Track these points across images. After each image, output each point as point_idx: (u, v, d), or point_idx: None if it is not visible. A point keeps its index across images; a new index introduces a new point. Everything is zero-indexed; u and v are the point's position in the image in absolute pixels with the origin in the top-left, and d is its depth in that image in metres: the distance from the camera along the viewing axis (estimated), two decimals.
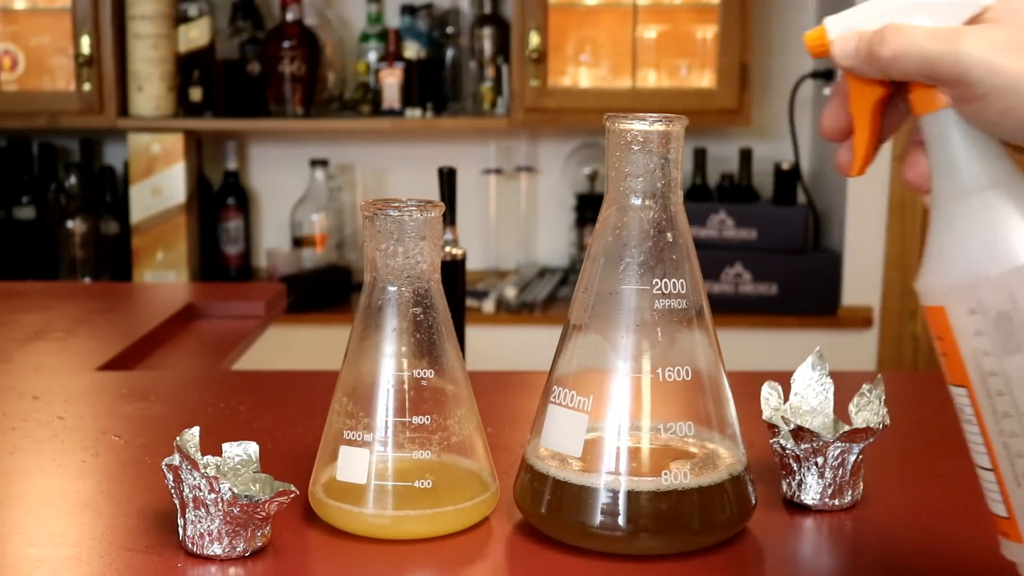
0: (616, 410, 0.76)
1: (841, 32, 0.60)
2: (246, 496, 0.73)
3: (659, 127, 0.75)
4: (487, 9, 2.93)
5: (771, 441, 0.84)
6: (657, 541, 0.75)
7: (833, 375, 0.87)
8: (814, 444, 0.82)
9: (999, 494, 0.59)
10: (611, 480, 0.75)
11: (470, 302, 2.77)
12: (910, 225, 2.73)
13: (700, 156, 2.94)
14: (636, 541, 0.75)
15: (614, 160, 0.77)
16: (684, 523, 0.75)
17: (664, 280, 0.76)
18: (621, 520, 0.74)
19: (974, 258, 0.56)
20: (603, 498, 0.75)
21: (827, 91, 2.87)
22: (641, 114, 0.76)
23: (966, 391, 0.59)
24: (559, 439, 0.77)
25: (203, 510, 0.73)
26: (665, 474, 0.75)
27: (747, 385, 0.90)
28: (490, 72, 2.92)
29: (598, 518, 0.75)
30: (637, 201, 0.77)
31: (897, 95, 0.61)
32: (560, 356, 0.79)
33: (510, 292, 2.85)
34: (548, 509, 0.77)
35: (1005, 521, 0.60)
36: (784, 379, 0.87)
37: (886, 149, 2.91)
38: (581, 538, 0.76)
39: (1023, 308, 0.56)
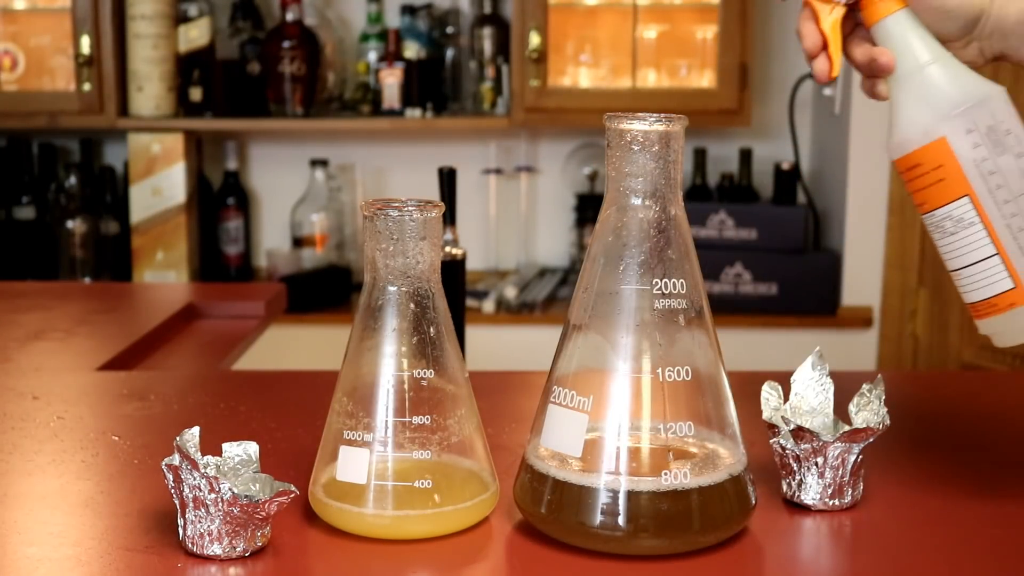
0: (616, 410, 0.76)
1: None
2: (246, 496, 0.73)
3: (659, 127, 0.75)
4: (487, 9, 2.92)
5: (771, 441, 0.84)
6: (657, 541, 0.75)
7: (833, 375, 0.87)
8: (814, 444, 0.82)
9: (1004, 272, 0.79)
10: (611, 480, 0.75)
11: (470, 302, 2.77)
12: (910, 225, 2.73)
13: (700, 156, 2.94)
14: (636, 541, 0.75)
15: (614, 160, 0.77)
16: (684, 523, 0.75)
17: (664, 280, 0.76)
18: (621, 520, 0.74)
19: (957, 97, 0.79)
20: (603, 498, 0.75)
21: (827, 91, 2.87)
22: (641, 114, 0.76)
23: (968, 199, 0.79)
24: (559, 439, 0.77)
25: (203, 510, 0.74)
26: (665, 474, 0.75)
27: (747, 385, 0.90)
28: (490, 72, 2.92)
29: (598, 518, 0.75)
30: (637, 201, 0.77)
31: (848, 14, 0.84)
32: (560, 356, 0.79)
33: (510, 292, 2.85)
34: (548, 509, 0.77)
35: (1010, 293, 0.79)
36: (784, 379, 0.87)
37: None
38: (581, 538, 0.76)
39: (1001, 120, 0.79)
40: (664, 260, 0.76)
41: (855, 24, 0.85)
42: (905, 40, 0.82)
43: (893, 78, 0.82)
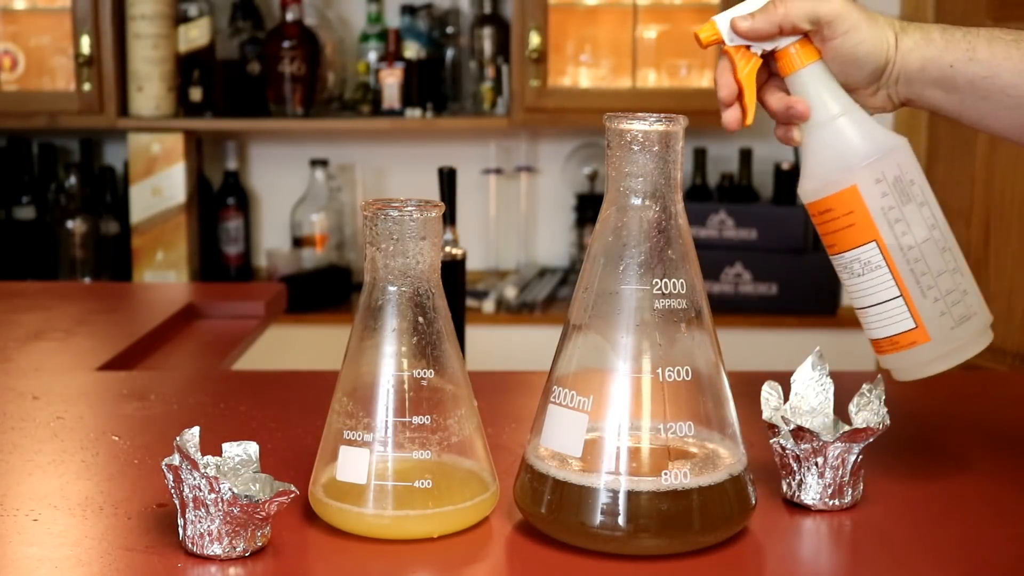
0: (616, 410, 0.76)
1: (732, 17, 0.86)
2: (246, 496, 0.73)
3: (659, 127, 0.75)
4: (487, 9, 2.92)
5: (771, 441, 0.84)
6: (657, 541, 0.75)
7: (833, 375, 0.87)
8: (814, 444, 0.82)
9: (906, 313, 0.84)
10: (611, 480, 0.75)
11: (470, 302, 2.77)
12: None
13: (700, 156, 2.93)
14: (636, 541, 0.75)
15: (614, 160, 0.77)
16: (684, 523, 0.75)
17: (664, 280, 0.76)
18: (621, 520, 0.74)
19: (866, 148, 0.84)
20: (603, 498, 0.75)
21: None
22: (641, 114, 0.76)
23: (875, 243, 0.84)
24: (559, 439, 0.77)
25: (203, 510, 0.74)
26: (665, 474, 0.75)
27: (747, 385, 0.90)
28: (490, 72, 2.91)
29: (598, 518, 0.75)
30: (637, 201, 0.77)
31: (763, 64, 0.87)
32: (560, 356, 0.79)
33: (510, 292, 2.85)
34: (548, 509, 0.77)
35: (912, 332, 0.85)
36: (784, 379, 0.87)
37: None
38: (581, 538, 0.76)
39: (906, 171, 0.84)
40: (664, 260, 0.76)
41: (770, 74, 0.89)
42: (818, 92, 0.86)
43: (806, 126, 0.87)
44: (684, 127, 0.77)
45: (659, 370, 0.76)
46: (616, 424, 0.76)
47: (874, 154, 0.84)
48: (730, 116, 0.87)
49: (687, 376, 0.76)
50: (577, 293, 0.79)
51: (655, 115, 0.76)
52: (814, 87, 0.86)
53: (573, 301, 0.79)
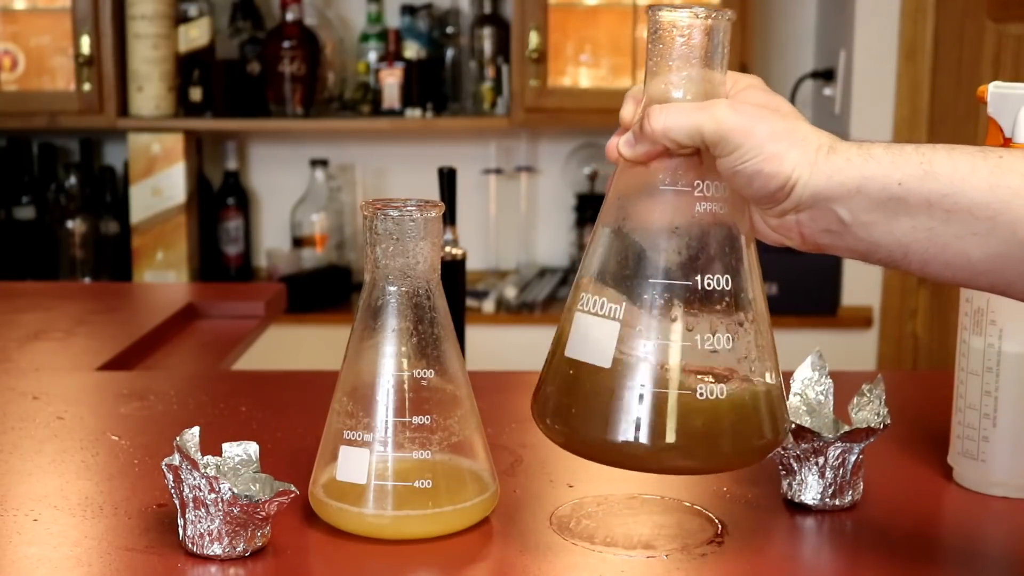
0: (649, 319, 0.71)
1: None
2: (246, 496, 0.73)
3: (702, 21, 0.71)
4: (487, 9, 2.92)
5: None
6: (687, 460, 0.71)
7: (833, 375, 0.87)
8: (814, 444, 0.82)
9: None
10: (643, 393, 0.70)
11: (470, 302, 2.77)
12: None
13: None
14: (665, 458, 0.71)
15: (654, 53, 0.72)
16: (716, 440, 0.71)
17: (705, 182, 0.72)
18: (652, 435, 0.70)
19: None
20: (633, 412, 0.70)
21: (827, 91, 2.87)
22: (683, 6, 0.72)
23: None
24: (587, 349, 0.72)
25: (203, 510, 0.74)
26: (700, 388, 0.70)
27: None
28: (490, 72, 2.92)
29: (626, 433, 0.70)
30: (679, 94, 0.72)
31: None
32: (589, 260, 0.74)
33: (510, 292, 2.85)
34: (570, 424, 0.73)
35: None
36: (784, 379, 0.86)
37: None
38: (604, 454, 0.72)
39: None
40: (707, 159, 0.71)
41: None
42: None
43: None
44: (730, 21, 0.72)
45: (698, 277, 0.71)
46: (649, 333, 0.71)
47: None
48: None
49: (727, 285, 0.72)
50: (611, 193, 0.74)
51: (699, 7, 0.71)
52: None
53: (606, 203, 0.74)
